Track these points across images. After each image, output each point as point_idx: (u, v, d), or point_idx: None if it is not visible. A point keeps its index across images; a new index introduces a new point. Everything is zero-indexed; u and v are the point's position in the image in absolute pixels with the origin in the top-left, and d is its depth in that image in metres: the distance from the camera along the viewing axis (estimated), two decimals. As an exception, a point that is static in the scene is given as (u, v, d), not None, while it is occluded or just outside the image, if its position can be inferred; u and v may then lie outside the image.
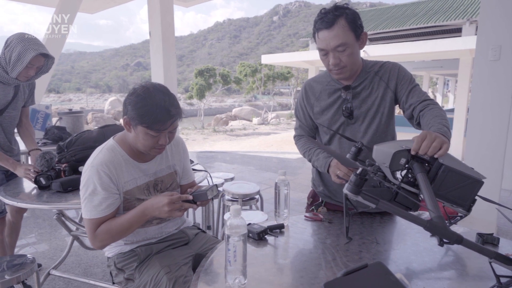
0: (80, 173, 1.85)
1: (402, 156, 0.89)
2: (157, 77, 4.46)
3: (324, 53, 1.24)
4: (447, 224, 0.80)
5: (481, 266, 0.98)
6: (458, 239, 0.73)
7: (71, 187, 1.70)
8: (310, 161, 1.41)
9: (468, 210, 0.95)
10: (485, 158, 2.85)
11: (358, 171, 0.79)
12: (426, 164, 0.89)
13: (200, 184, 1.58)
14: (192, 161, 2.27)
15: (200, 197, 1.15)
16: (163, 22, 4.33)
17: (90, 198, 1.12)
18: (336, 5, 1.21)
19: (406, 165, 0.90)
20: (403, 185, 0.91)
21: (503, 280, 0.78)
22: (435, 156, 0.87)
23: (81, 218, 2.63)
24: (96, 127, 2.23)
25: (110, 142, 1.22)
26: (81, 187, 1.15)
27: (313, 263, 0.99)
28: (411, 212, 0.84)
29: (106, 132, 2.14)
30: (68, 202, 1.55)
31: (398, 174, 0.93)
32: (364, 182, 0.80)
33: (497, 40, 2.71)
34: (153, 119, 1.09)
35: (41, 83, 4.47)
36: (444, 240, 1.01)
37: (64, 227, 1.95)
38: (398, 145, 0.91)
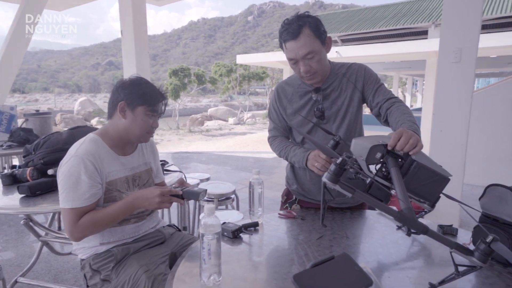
0: (49, 176, 1.80)
1: (378, 150, 0.94)
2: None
3: (294, 62, 1.28)
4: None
5: (442, 256, 1.05)
6: (424, 230, 0.78)
7: (40, 190, 1.65)
8: (286, 158, 1.43)
9: (433, 206, 1.03)
10: (449, 155, 3.01)
11: (338, 161, 0.83)
12: (400, 160, 0.94)
13: (189, 183, 1.66)
14: (166, 162, 2.25)
15: (191, 196, 1.20)
16: (135, 21, 4.24)
17: (73, 187, 1.12)
18: (298, 14, 1.25)
19: (381, 160, 0.95)
20: (376, 178, 0.96)
21: (461, 269, 0.84)
22: (410, 153, 0.92)
23: (51, 223, 2.55)
24: (65, 129, 2.16)
25: (91, 135, 1.24)
26: (61, 178, 1.14)
27: (286, 259, 1.02)
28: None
29: (76, 133, 2.08)
30: (37, 207, 1.51)
31: (372, 168, 0.98)
32: (343, 172, 0.84)
33: (458, 43, 2.87)
34: (154, 99, 1.23)
35: (5, 82, 4.26)
36: (412, 231, 1.08)
37: (32, 232, 1.89)
38: (375, 140, 0.96)
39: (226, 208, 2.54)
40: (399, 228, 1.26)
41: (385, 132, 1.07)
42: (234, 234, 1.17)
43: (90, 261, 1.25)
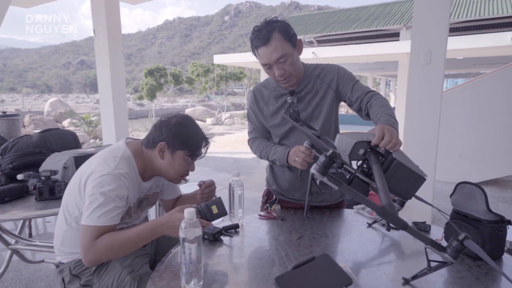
0: (19, 181, 1.73)
1: (361, 147, 0.97)
2: (104, 76, 4.24)
3: (267, 67, 1.30)
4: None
5: (416, 252, 1.09)
6: (404, 226, 0.81)
7: (9, 197, 1.58)
8: (267, 158, 1.44)
9: (402, 205, 1.08)
10: (420, 153, 3.12)
11: (328, 153, 0.84)
12: (381, 157, 0.97)
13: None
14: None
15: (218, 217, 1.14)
16: (109, 19, 4.12)
17: (104, 205, 1.04)
18: (266, 20, 1.27)
19: (363, 156, 0.98)
20: (357, 173, 0.98)
21: (433, 264, 0.88)
22: (391, 150, 0.96)
23: (21, 230, 2.44)
24: (36, 131, 2.08)
25: (127, 152, 1.16)
26: (91, 192, 1.05)
27: (267, 260, 1.03)
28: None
29: (47, 136, 2.01)
30: (6, 214, 1.44)
31: (353, 164, 1.01)
32: (332, 164, 0.86)
33: (428, 46, 2.99)
34: (197, 145, 1.18)
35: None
36: (391, 226, 1.13)
37: (0, 240, 1.80)
38: (359, 136, 0.99)
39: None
40: (369, 225, 1.30)
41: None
42: (214, 237, 1.17)
43: (71, 265, 1.21)
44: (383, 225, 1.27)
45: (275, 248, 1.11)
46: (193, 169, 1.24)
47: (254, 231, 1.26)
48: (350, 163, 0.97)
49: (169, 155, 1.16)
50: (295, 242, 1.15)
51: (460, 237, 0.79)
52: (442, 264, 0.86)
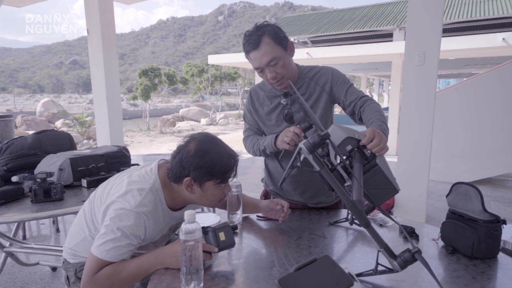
0: (13, 183, 1.71)
1: (350, 143, 1.00)
2: (97, 76, 4.20)
3: (260, 70, 1.32)
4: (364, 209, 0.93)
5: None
6: (366, 224, 0.82)
7: (3, 199, 1.56)
8: (259, 150, 1.43)
9: (367, 213, 1.08)
10: (415, 153, 3.16)
11: (322, 133, 0.86)
12: (365, 159, 1.00)
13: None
14: (138, 165, 2.20)
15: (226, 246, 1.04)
16: (103, 19, 4.09)
17: (117, 240, 0.97)
18: (256, 25, 1.29)
19: (349, 153, 1.01)
20: (338, 167, 1.00)
21: (380, 268, 0.89)
22: (377, 154, 0.99)
23: (15, 233, 2.41)
24: (30, 133, 2.06)
25: (156, 183, 1.08)
26: (109, 222, 0.99)
27: (266, 261, 1.03)
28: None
29: (42, 138, 1.99)
30: (1, 216, 1.42)
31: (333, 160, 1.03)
32: (321, 144, 0.88)
33: (422, 47, 3.02)
34: (224, 170, 1.06)
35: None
36: (356, 222, 1.20)
37: (-5, 243, 1.78)
38: (352, 132, 1.02)
39: (202, 211, 2.52)
40: (330, 224, 1.32)
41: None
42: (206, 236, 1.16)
43: (77, 267, 1.20)
44: (348, 220, 1.30)
45: (274, 249, 1.11)
46: (229, 190, 1.15)
47: (253, 232, 1.26)
48: (335, 157, 0.99)
49: (198, 188, 1.06)
50: (293, 243, 1.16)
51: (413, 250, 0.81)
52: (389, 270, 0.88)
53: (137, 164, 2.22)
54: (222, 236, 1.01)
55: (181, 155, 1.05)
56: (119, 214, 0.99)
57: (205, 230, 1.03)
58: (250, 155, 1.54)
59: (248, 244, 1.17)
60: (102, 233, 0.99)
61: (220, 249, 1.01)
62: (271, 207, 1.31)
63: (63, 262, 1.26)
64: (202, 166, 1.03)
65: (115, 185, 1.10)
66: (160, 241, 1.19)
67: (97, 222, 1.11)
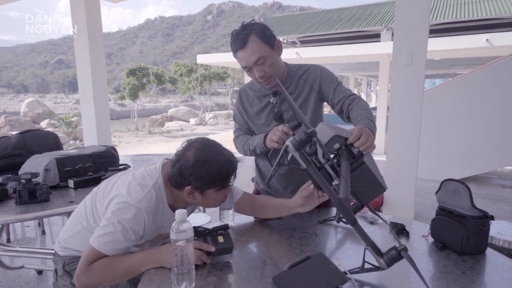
0: (-3, 185, 1.65)
1: (338, 141, 1.00)
2: (84, 76, 4.12)
3: (248, 69, 1.31)
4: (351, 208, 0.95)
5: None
6: (353, 222, 0.82)
7: (-13, 201, 1.51)
8: (248, 149, 1.43)
9: (355, 212, 1.08)
10: (403, 151, 3.20)
11: (308, 131, 0.86)
12: (352, 158, 1.00)
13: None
14: (128, 166, 2.17)
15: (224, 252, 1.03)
16: (89, 18, 4.01)
17: (116, 233, 0.97)
18: (243, 24, 1.28)
19: (336, 151, 1.01)
20: (326, 165, 1.00)
21: (366, 266, 0.90)
22: (364, 152, 0.99)
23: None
24: (14, 133, 2.00)
25: (159, 181, 1.08)
26: (110, 215, 0.99)
27: (258, 260, 1.03)
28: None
29: (27, 138, 1.94)
30: (-16, 219, 1.38)
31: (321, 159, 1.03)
32: (308, 142, 0.88)
33: (410, 47, 3.06)
34: (224, 177, 1.04)
35: None
36: (342, 220, 1.20)
37: (-23, 247, 1.72)
38: (339, 131, 1.02)
39: (192, 211, 2.50)
40: (320, 222, 1.32)
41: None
42: (204, 238, 1.15)
43: (65, 260, 1.19)
44: (320, 221, 1.31)
45: (266, 248, 1.11)
46: (230, 192, 1.13)
47: (244, 231, 1.25)
48: (323, 155, 0.99)
49: (200, 195, 1.06)
50: (285, 241, 1.15)
51: (399, 248, 0.82)
52: (375, 268, 0.89)
53: (126, 165, 2.19)
54: (220, 239, 1.02)
55: (180, 164, 1.03)
56: (121, 207, 1.00)
57: (203, 232, 1.04)
58: (239, 155, 1.53)
59: (240, 243, 1.16)
60: (103, 225, 1.00)
61: (219, 253, 1.00)
62: (305, 195, 1.22)
63: (54, 255, 1.25)
64: (202, 176, 1.02)
65: (120, 180, 1.11)
66: (157, 240, 1.18)
67: (97, 215, 1.11)
